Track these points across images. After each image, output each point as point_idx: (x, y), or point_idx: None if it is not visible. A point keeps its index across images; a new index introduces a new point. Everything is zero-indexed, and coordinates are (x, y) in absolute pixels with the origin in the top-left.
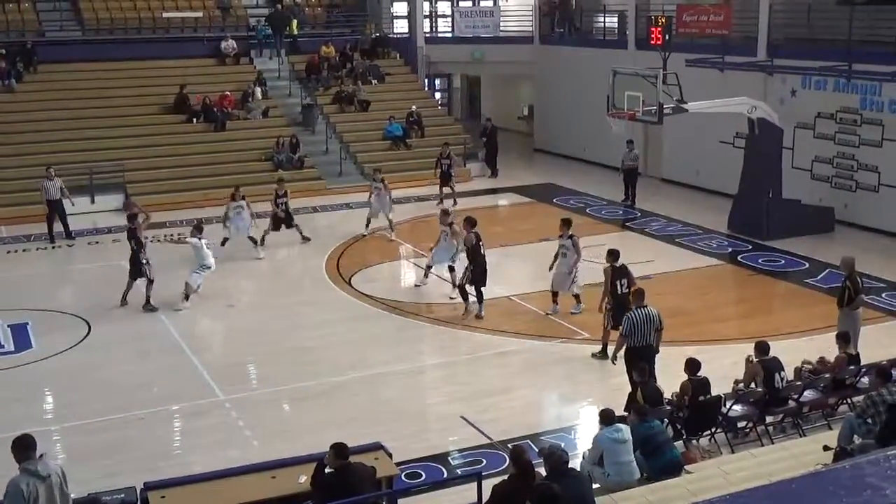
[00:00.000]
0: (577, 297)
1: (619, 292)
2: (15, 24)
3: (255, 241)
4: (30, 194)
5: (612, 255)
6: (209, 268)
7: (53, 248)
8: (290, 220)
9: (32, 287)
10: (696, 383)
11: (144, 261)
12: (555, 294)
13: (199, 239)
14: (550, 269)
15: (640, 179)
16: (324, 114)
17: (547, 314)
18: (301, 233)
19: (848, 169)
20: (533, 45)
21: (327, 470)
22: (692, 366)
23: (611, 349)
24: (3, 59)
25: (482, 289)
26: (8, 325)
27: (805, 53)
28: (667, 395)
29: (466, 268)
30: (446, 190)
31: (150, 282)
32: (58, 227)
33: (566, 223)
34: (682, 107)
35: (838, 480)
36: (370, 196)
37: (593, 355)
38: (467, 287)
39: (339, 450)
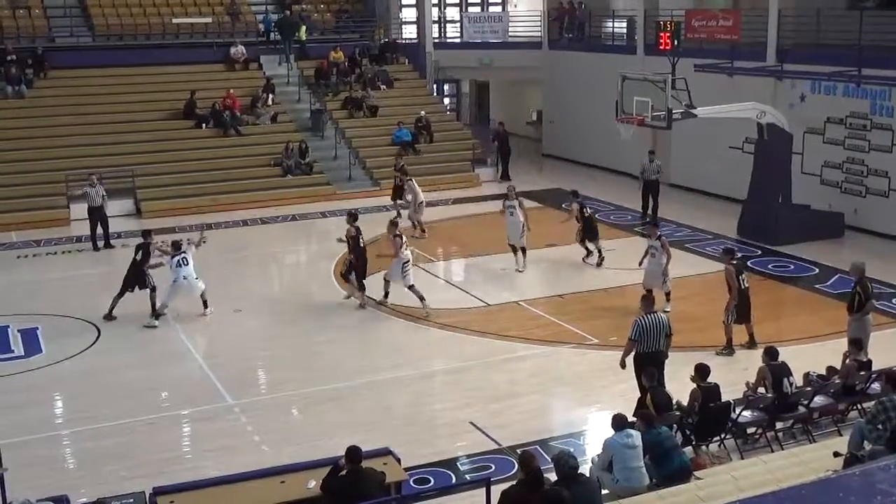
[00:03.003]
0: (668, 294)
1: (742, 287)
2: (25, 30)
3: (522, 250)
4: (38, 199)
5: (731, 252)
6: (175, 282)
7: (97, 250)
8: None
9: (42, 292)
10: (706, 390)
11: (148, 272)
12: (648, 291)
13: (172, 257)
14: (640, 264)
15: None
16: (333, 119)
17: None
18: (599, 252)
19: (858, 174)
20: (541, 51)
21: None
22: (702, 371)
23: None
24: (14, 65)
25: (363, 280)
26: (18, 330)
27: (814, 58)
28: (676, 400)
29: (348, 260)
30: (400, 202)
31: (153, 289)
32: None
33: (655, 225)
34: (691, 112)
35: (848, 486)
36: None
37: (717, 353)
38: (350, 277)
39: (351, 454)
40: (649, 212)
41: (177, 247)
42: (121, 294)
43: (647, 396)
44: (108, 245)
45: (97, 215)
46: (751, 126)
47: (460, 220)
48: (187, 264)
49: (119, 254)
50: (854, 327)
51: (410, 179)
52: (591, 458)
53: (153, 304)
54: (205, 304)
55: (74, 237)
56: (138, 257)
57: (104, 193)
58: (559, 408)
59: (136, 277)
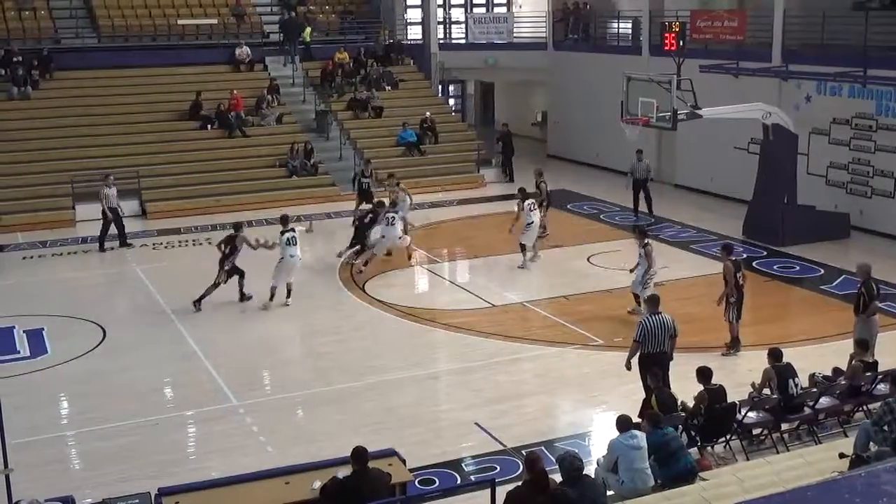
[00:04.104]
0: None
1: (738, 284)
2: (31, 31)
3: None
4: (44, 200)
5: (728, 249)
6: (282, 260)
7: (103, 251)
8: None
9: (48, 293)
10: (712, 392)
11: (227, 267)
12: (636, 296)
13: (282, 234)
14: (631, 270)
15: (654, 185)
16: (338, 120)
17: (629, 311)
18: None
19: (863, 175)
20: (546, 52)
21: (342, 476)
22: (705, 374)
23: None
24: (20, 67)
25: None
26: (24, 331)
27: (820, 59)
28: (681, 401)
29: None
30: (366, 207)
31: (217, 285)
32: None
33: (641, 232)
34: (697, 112)
35: (854, 488)
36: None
37: (723, 354)
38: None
39: (357, 455)
40: (644, 211)
41: (285, 221)
42: (241, 283)
43: (652, 397)
44: (123, 244)
45: (112, 216)
46: (756, 127)
47: (465, 221)
48: (295, 244)
49: (127, 254)
50: (860, 328)
51: (399, 185)
52: (596, 459)
53: (206, 293)
54: (288, 293)
55: (80, 238)
56: (226, 250)
57: (116, 194)
58: (564, 409)
59: (219, 266)
